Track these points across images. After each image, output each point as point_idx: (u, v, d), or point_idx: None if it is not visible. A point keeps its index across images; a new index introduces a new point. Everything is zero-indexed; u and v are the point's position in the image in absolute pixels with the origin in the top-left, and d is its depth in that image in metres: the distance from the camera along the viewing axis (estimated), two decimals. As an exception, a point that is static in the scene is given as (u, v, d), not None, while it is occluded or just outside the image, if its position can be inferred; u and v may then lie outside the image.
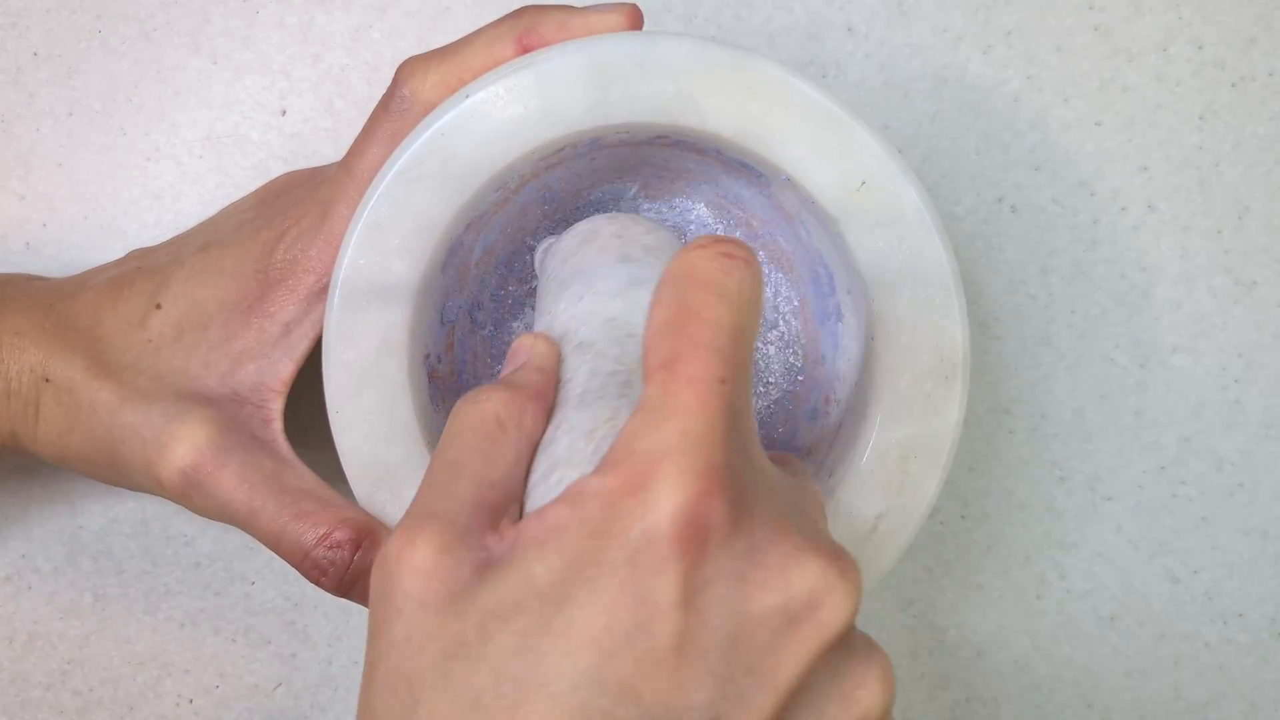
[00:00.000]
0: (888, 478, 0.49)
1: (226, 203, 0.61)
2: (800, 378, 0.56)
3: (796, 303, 0.55)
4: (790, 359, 0.56)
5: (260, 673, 0.63)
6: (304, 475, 0.51)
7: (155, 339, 0.51)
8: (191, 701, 0.63)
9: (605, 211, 0.54)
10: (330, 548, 0.48)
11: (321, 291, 0.50)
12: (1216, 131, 0.62)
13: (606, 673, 0.33)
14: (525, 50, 0.48)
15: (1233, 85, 0.62)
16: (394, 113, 0.49)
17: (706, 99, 0.47)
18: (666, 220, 0.56)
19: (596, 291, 0.47)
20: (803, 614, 0.34)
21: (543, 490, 0.39)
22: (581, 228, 0.52)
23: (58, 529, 0.62)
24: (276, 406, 0.51)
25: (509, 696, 0.33)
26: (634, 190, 0.54)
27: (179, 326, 0.51)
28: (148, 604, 0.63)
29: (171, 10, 0.61)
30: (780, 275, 0.55)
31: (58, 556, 0.62)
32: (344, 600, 0.56)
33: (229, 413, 0.50)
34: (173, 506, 0.61)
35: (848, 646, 0.36)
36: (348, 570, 0.48)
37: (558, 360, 0.44)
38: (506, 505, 0.38)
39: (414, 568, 0.35)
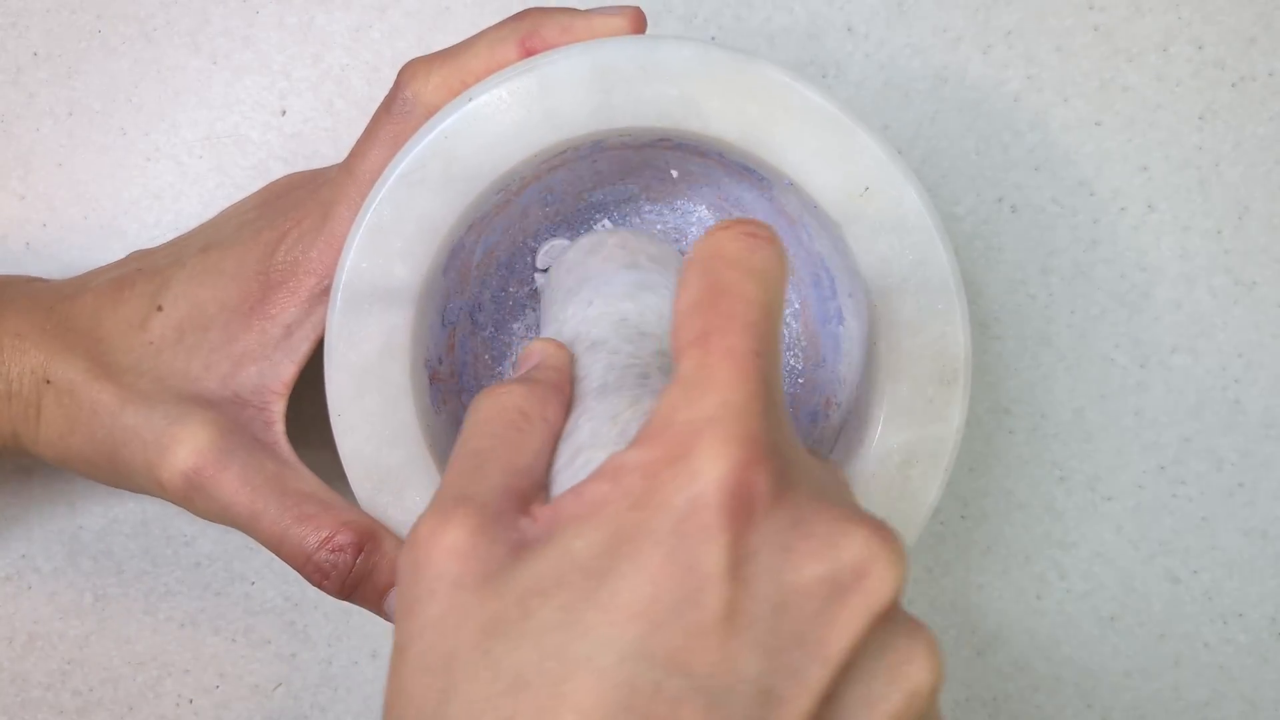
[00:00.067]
0: (889, 482, 0.49)
1: (226, 203, 0.61)
2: (801, 380, 0.56)
3: (798, 305, 0.55)
4: (791, 361, 0.56)
5: (260, 673, 0.63)
6: (306, 478, 0.50)
7: (156, 341, 0.51)
8: (191, 701, 0.63)
9: (607, 213, 0.54)
10: (332, 551, 0.48)
11: (323, 293, 0.50)
12: (1216, 131, 0.62)
13: (654, 644, 0.32)
14: (528, 53, 0.48)
15: (1233, 85, 0.62)
16: (396, 115, 0.49)
17: (709, 103, 0.47)
18: (667, 221, 0.56)
19: (605, 296, 0.47)
20: (850, 584, 0.33)
21: (569, 474, 0.39)
22: (585, 241, 0.52)
23: (58, 529, 0.62)
24: (278, 408, 0.51)
25: (553, 672, 0.32)
26: (635, 192, 0.54)
27: (180, 328, 0.51)
28: (148, 604, 0.63)
29: (171, 10, 0.61)
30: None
31: (58, 556, 0.62)
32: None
33: (230, 415, 0.50)
34: (173, 507, 0.61)
35: (894, 620, 0.35)
36: (350, 573, 0.48)
37: (570, 360, 0.44)
38: (534, 492, 0.38)
39: (447, 549, 0.35)
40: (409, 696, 0.34)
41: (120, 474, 0.51)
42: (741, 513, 0.33)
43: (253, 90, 0.61)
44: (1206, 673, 0.64)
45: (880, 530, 0.34)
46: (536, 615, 0.33)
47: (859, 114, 0.47)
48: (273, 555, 0.52)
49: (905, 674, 0.34)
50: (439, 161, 0.46)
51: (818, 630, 0.33)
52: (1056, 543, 0.64)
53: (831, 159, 0.47)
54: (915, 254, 0.48)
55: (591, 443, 0.39)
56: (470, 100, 0.46)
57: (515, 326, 0.56)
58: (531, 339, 0.51)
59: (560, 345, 0.45)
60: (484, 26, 0.49)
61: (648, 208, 0.55)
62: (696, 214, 0.55)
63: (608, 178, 0.53)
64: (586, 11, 0.48)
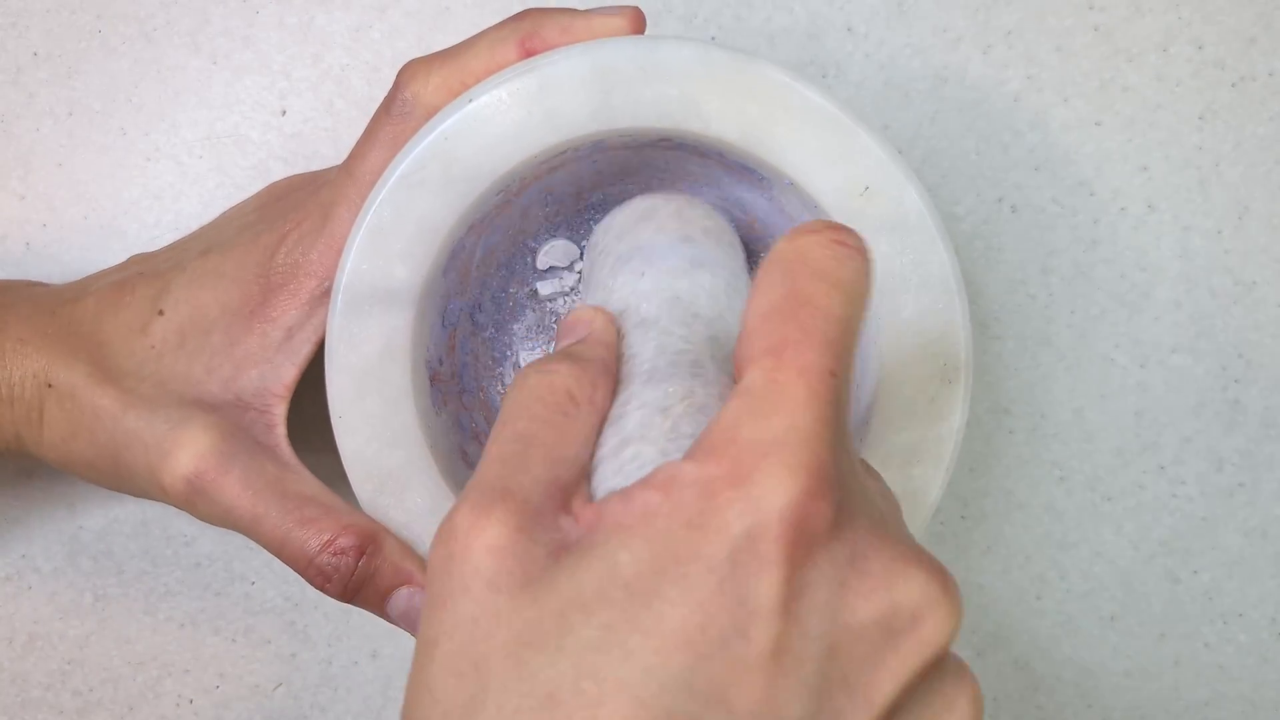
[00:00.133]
0: (891, 481, 0.49)
1: (226, 203, 0.61)
2: (801, 379, 0.56)
3: (798, 305, 0.55)
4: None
5: (260, 673, 0.63)
6: (307, 480, 0.50)
7: (158, 345, 0.51)
8: (191, 701, 0.63)
9: (609, 211, 0.54)
10: (334, 554, 0.48)
11: (323, 295, 0.50)
12: (1216, 131, 0.62)
13: (697, 676, 0.31)
14: (528, 54, 0.47)
15: (1233, 85, 0.62)
16: (396, 116, 0.49)
17: (709, 103, 0.47)
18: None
19: (659, 269, 0.47)
20: (905, 628, 0.32)
21: (613, 465, 0.37)
22: (637, 205, 0.51)
23: (58, 529, 0.62)
24: (280, 411, 0.51)
25: (589, 693, 0.31)
26: (636, 193, 0.54)
27: (181, 332, 0.51)
28: (148, 604, 0.63)
29: (171, 10, 0.61)
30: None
31: (58, 557, 0.62)
32: (345, 602, 0.56)
33: (232, 418, 0.50)
34: (173, 508, 0.61)
35: (941, 667, 0.34)
36: (352, 576, 0.48)
37: (618, 336, 0.43)
38: (577, 483, 0.37)
39: (486, 546, 0.33)
40: (435, 697, 0.33)
41: (122, 478, 0.51)
42: (801, 546, 0.32)
43: (253, 90, 0.61)
44: (1206, 673, 0.65)
45: (940, 574, 0.33)
46: (576, 631, 0.31)
47: (859, 114, 0.47)
48: (273, 556, 0.52)
49: None
50: (439, 163, 0.46)
51: (866, 674, 0.32)
52: (1056, 543, 0.64)
53: (832, 159, 0.47)
54: (916, 254, 0.48)
55: (640, 435, 0.38)
56: (470, 101, 0.46)
57: (515, 327, 0.56)
58: (574, 308, 0.49)
59: (610, 318, 0.44)
60: (484, 26, 0.49)
61: (648, 208, 0.55)
62: (697, 215, 0.55)
63: (608, 178, 0.53)
64: (586, 12, 0.48)
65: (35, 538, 0.62)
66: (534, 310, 0.56)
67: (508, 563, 0.33)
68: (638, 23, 0.48)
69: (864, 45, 0.61)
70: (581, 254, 0.55)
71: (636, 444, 0.37)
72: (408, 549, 0.49)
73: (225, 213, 0.57)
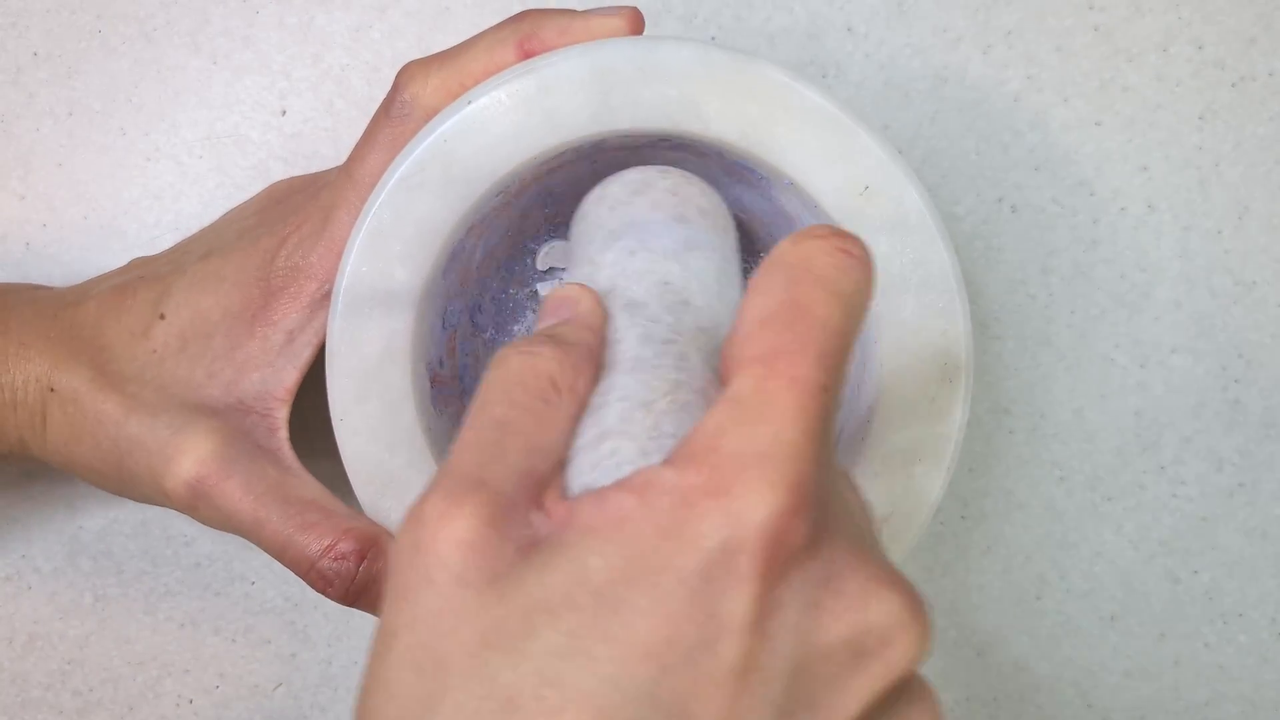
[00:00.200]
0: (892, 480, 0.49)
1: (227, 203, 0.61)
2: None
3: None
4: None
5: (260, 673, 0.63)
6: (308, 484, 0.50)
7: (159, 349, 0.51)
8: (191, 701, 0.63)
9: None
10: (335, 559, 0.48)
11: (324, 298, 0.50)
12: (1216, 131, 0.62)
13: (661, 688, 0.30)
14: (526, 55, 0.47)
15: (1233, 85, 0.62)
16: (395, 118, 0.49)
17: (709, 104, 0.46)
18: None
19: (650, 249, 0.45)
20: (874, 650, 0.32)
21: (591, 459, 0.36)
22: (632, 177, 0.50)
23: (58, 529, 0.62)
24: (281, 415, 0.51)
25: (550, 700, 0.30)
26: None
27: (183, 336, 0.51)
28: (148, 604, 0.63)
29: (171, 10, 0.61)
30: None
31: (58, 557, 0.62)
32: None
33: (234, 423, 0.50)
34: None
35: (906, 689, 0.33)
36: (353, 581, 0.48)
37: (605, 320, 0.41)
38: (552, 475, 0.36)
39: (455, 538, 0.32)
40: (392, 692, 0.32)
41: (125, 483, 0.51)
42: (776, 563, 0.31)
43: (253, 90, 0.61)
44: (1206, 673, 0.65)
45: (912, 597, 0.33)
46: (541, 635, 0.31)
47: (859, 114, 0.47)
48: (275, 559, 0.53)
49: None
50: (438, 164, 0.46)
51: (831, 695, 0.32)
52: (1056, 543, 0.64)
53: (832, 159, 0.47)
54: (916, 253, 0.48)
55: (620, 430, 0.37)
56: (469, 103, 0.46)
57: (516, 329, 0.56)
58: (560, 284, 0.48)
59: (597, 299, 0.42)
60: (484, 27, 0.49)
61: (648, 208, 0.55)
62: (697, 215, 0.55)
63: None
64: (584, 13, 0.48)
65: (35, 538, 0.62)
66: (534, 311, 0.56)
67: (476, 557, 0.32)
68: (636, 23, 0.48)
69: (864, 45, 0.61)
70: None
71: (616, 438, 0.37)
72: None
73: (225, 215, 0.57)
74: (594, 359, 0.39)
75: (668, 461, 0.33)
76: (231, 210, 0.57)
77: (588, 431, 0.37)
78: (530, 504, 0.34)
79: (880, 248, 0.47)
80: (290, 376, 0.51)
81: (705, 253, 0.46)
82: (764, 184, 0.50)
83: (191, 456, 0.49)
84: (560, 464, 0.36)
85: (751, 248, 0.56)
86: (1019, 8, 0.61)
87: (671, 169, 0.51)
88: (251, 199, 0.57)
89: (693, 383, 0.39)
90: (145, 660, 0.63)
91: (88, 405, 0.51)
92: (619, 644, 0.30)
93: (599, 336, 0.40)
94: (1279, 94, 0.62)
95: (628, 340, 0.40)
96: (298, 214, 0.51)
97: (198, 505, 0.50)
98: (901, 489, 0.49)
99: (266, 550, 0.50)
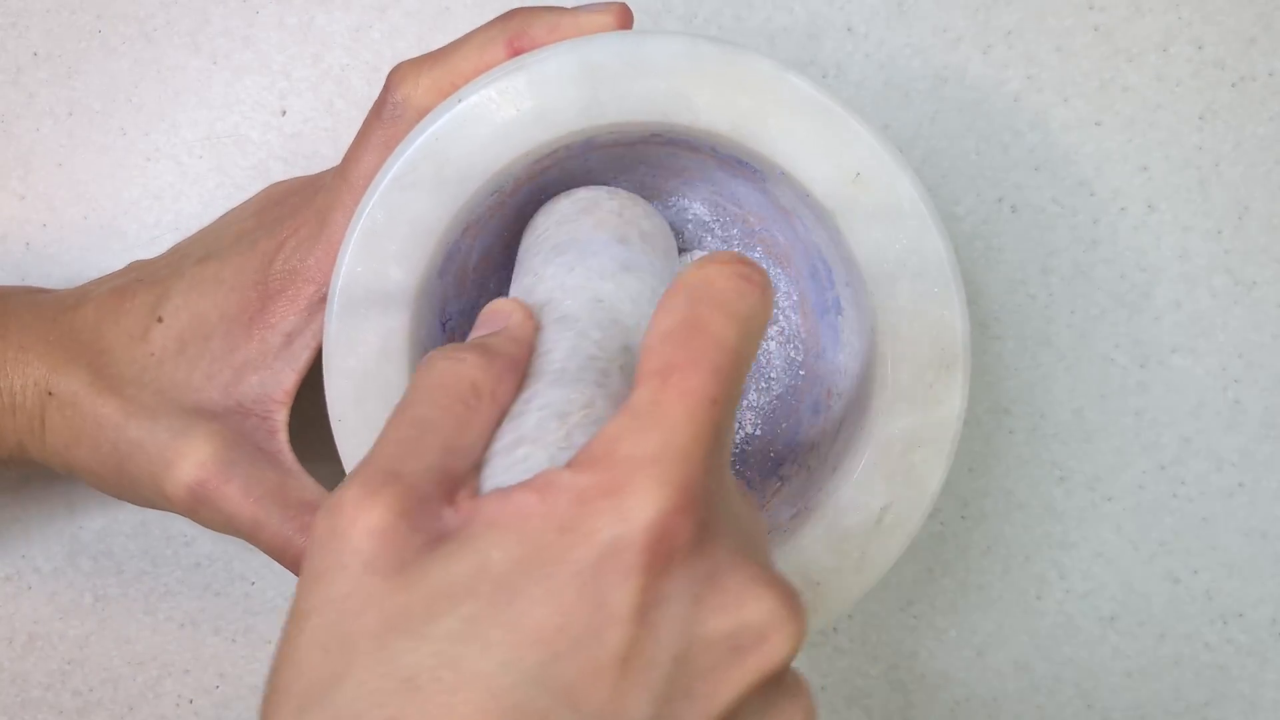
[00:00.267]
0: (892, 469, 0.49)
1: (227, 203, 0.61)
2: (802, 372, 0.56)
3: (795, 297, 0.55)
4: (791, 353, 0.56)
5: (260, 673, 0.63)
6: (309, 486, 0.51)
7: (158, 352, 0.51)
8: (191, 701, 0.63)
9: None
10: None
11: (321, 300, 0.50)
12: (1216, 131, 0.62)
13: (551, 673, 0.32)
14: (516, 53, 0.48)
15: (1233, 85, 0.62)
16: (387, 119, 0.49)
17: (699, 96, 0.47)
18: (663, 218, 0.56)
19: (589, 268, 0.47)
20: (750, 644, 0.34)
21: (505, 462, 0.38)
22: (582, 195, 0.51)
23: (58, 529, 0.62)
24: (281, 417, 0.51)
25: (446, 680, 0.32)
26: (629, 189, 0.54)
27: (181, 339, 0.51)
28: (148, 604, 0.63)
29: (171, 10, 0.61)
30: (778, 270, 0.55)
31: (58, 557, 0.63)
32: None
33: (233, 425, 0.51)
34: (172, 509, 0.62)
35: (780, 683, 0.35)
36: None
37: (535, 333, 0.43)
38: (467, 475, 0.37)
39: (368, 527, 0.34)
40: (300, 670, 0.33)
41: (125, 486, 0.52)
42: (661, 558, 0.33)
43: (253, 90, 0.61)
44: (1206, 673, 0.64)
45: (789, 597, 0.35)
46: (441, 619, 0.32)
47: (850, 103, 0.47)
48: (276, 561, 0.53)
49: None
50: (431, 164, 0.46)
51: (708, 684, 0.33)
52: (1056, 543, 0.64)
53: (823, 148, 0.47)
54: (910, 240, 0.48)
55: (535, 437, 0.38)
56: (460, 101, 0.46)
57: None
58: (496, 298, 0.50)
59: (529, 314, 0.44)
60: (482, 24, 0.49)
61: (642, 205, 0.55)
62: (692, 210, 0.55)
63: (600, 175, 0.53)
64: (573, 9, 0.48)
65: (35, 538, 0.62)
66: (532, 311, 0.56)
67: (386, 546, 0.34)
68: (624, 18, 0.48)
69: (864, 45, 0.61)
70: None
71: (529, 445, 0.38)
72: None
73: (223, 217, 0.57)
74: (517, 369, 0.41)
75: (569, 464, 0.35)
76: (229, 213, 0.57)
77: (505, 436, 0.39)
78: (443, 499, 0.36)
79: (874, 235, 0.48)
80: (289, 379, 0.51)
81: (641, 274, 0.47)
82: (757, 177, 0.50)
83: (191, 460, 0.49)
84: (476, 465, 0.38)
85: (749, 242, 0.56)
86: (1019, 8, 0.61)
87: (620, 190, 0.52)
88: (248, 201, 0.57)
89: (610, 398, 0.40)
90: (145, 660, 0.63)
91: (86, 409, 0.51)
92: (514, 630, 0.32)
93: (525, 349, 0.42)
94: (1279, 94, 0.62)
95: (556, 352, 0.42)
96: (294, 217, 0.51)
97: (198, 509, 0.50)
98: (902, 478, 0.49)
99: (267, 552, 0.50)
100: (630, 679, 0.32)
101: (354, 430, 0.49)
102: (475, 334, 0.43)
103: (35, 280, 0.61)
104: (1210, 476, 0.63)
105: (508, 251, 0.54)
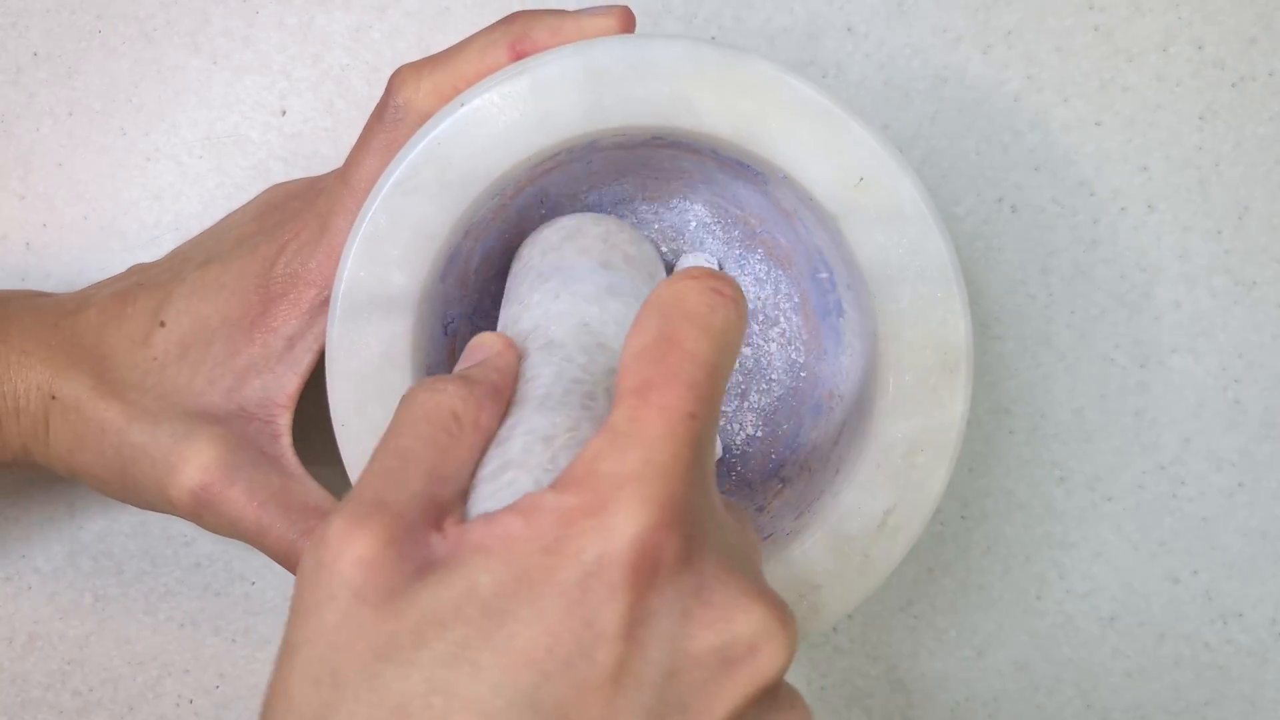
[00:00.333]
0: (895, 472, 0.49)
1: (226, 203, 0.61)
2: (803, 374, 0.56)
3: (797, 299, 0.55)
4: (792, 355, 0.56)
5: (260, 673, 0.63)
6: (312, 490, 0.51)
7: (160, 356, 0.51)
8: (191, 702, 0.63)
9: (604, 213, 0.54)
10: None
11: (323, 304, 0.50)
12: (1216, 131, 0.62)
13: (542, 695, 0.32)
14: (518, 56, 0.47)
15: (1233, 85, 0.62)
16: (388, 122, 0.49)
17: (701, 99, 0.46)
18: (665, 220, 0.56)
19: (574, 293, 0.47)
20: (741, 657, 0.34)
21: (491, 488, 0.38)
22: (566, 223, 0.52)
23: (57, 530, 0.62)
24: (284, 421, 0.51)
25: (437, 707, 0.32)
26: (631, 192, 0.54)
27: (183, 344, 0.51)
28: (148, 604, 0.63)
29: (171, 10, 0.61)
30: (780, 272, 0.55)
31: (58, 557, 0.63)
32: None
33: (236, 429, 0.51)
34: (172, 509, 0.62)
35: (775, 696, 0.35)
36: None
37: (517, 362, 0.44)
38: (454, 502, 0.38)
39: (356, 557, 0.34)
40: (291, 703, 0.34)
41: (129, 491, 0.52)
42: (646, 575, 0.33)
43: (253, 90, 0.61)
44: (1206, 673, 0.64)
45: (779, 609, 0.35)
46: (430, 646, 0.33)
47: (851, 105, 0.47)
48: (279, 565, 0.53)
49: None
50: (433, 168, 0.46)
51: (701, 700, 0.34)
52: (1056, 543, 0.64)
53: (825, 151, 0.47)
54: (912, 243, 0.48)
55: (521, 461, 0.38)
56: (462, 105, 0.46)
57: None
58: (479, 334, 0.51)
59: (510, 345, 0.44)
60: (484, 27, 0.49)
61: (644, 207, 0.55)
62: (693, 212, 0.55)
63: (603, 179, 0.53)
64: (576, 12, 0.48)
65: (35, 538, 0.62)
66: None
67: (375, 576, 0.34)
68: (627, 22, 0.48)
69: (864, 45, 0.61)
70: None
71: (515, 470, 0.38)
72: None
73: (223, 220, 0.57)
74: (499, 396, 0.41)
75: (552, 486, 0.35)
76: (229, 216, 0.57)
77: (492, 462, 0.39)
78: (430, 527, 0.36)
79: (876, 238, 0.48)
80: (291, 383, 0.51)
81: (625, 298, 0.47)
82: (759, 179, 0.50)
83: (195, 464, 0.49)
84: (462, 492, 0.38)
85: (750, 244, 0.56)
86: (1019, 8, 0.61)
87: (606, 216, 0.52)
88: (249, 204, 0.57)
89: (595, 421, 0.40)
90: (145, 660, 0.63)
91: (89, 413, 0.51)
92: (503, 653, 0.32)
93: (506, 376, 0.42)
94: (1279, 94, 0.62)
95: (542, 378, 0.42)
96: (296, 221, 0.51)
97: (202, 513, 0.50)
98: (905, 478, 0.49)
99: (271, 556, 0.50)
100: (622, 696, 0.33)
101: (357, 435, 0.49)
102: (459, 367, 0.44)
103: (35, 280, 0.61)
104: (1210, 476, 0.63)
105: (509, 254, 0.54)
